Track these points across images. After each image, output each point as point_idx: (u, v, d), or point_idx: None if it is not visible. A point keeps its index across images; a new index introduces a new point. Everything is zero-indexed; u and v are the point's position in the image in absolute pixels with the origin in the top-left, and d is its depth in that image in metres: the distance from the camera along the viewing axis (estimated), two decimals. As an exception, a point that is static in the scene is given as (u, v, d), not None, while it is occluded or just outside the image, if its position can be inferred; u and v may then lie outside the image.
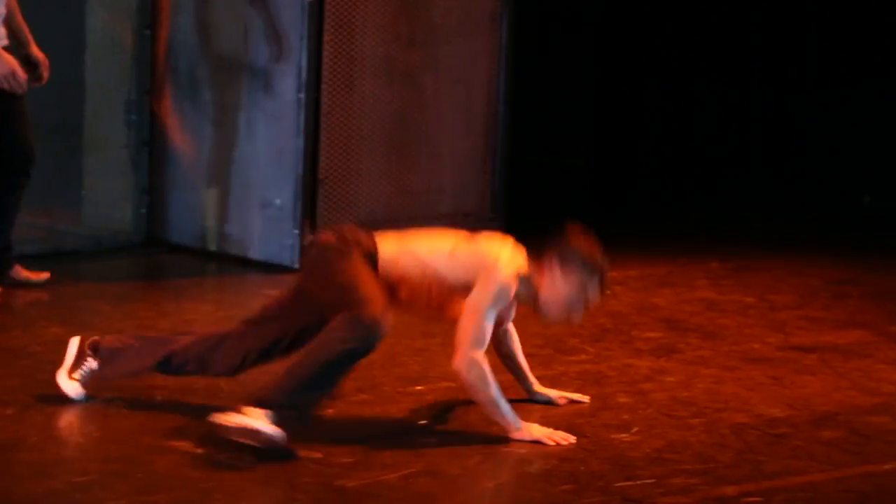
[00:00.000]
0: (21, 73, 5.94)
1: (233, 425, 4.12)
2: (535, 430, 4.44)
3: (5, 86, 5.89)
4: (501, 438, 4.42)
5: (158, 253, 7.22)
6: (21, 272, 6.24)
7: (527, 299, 4.50)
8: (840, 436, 4.60)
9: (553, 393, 4.81)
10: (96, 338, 4.71)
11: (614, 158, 10.48)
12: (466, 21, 7.33)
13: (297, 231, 6.89)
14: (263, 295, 6.43)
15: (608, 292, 4.56)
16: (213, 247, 7.18)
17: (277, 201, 6.94)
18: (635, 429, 4.59)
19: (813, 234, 8.40)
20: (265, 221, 6.98)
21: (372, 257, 4.41)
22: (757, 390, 5.10)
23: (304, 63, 6.79)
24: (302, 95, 6.81)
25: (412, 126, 7.22)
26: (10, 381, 4.85)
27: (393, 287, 4.42)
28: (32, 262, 6.80)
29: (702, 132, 10.38)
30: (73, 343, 4.70)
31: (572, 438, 4.44)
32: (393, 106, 7.15)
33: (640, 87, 10.48)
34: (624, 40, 10.53)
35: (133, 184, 7.30)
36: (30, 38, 6.20)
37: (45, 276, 6.31)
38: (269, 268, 6.91)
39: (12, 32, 6.15)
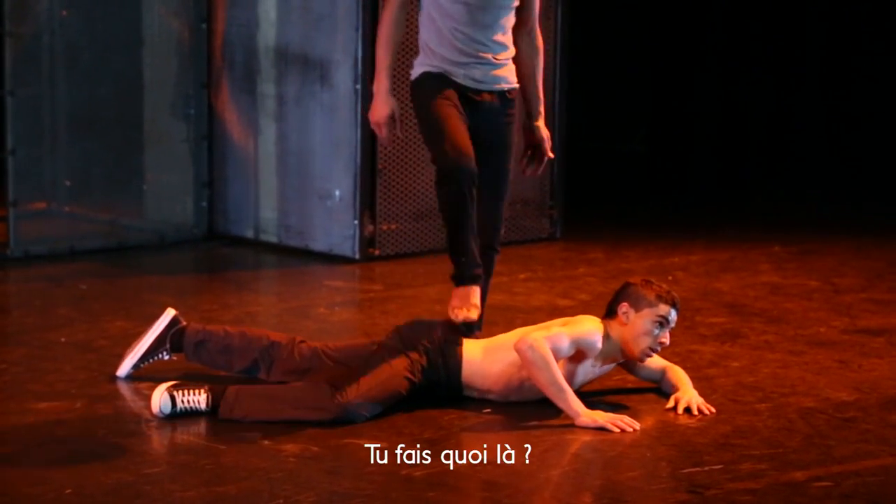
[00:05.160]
0: (395, 127, 4.76)
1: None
2: (599, 417, 4.43)
3: (378, 132, 4.80)
4: (566, 426, 4.41)
5: (220, 246, 7.27)
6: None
7: (615, 352, 4.63)
8: (910, 419, 4.55)
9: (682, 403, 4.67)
10: (184, 325, 4.82)
11: (674, 144, 10.41)
12: (522, 8, 7.29)
13: (356, 222, 6.90)
14: (325, 286, 6.48)
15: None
16: (273, 239, 7.21)
17: (337, 192, 6.95)
18: (700, 414, 4.56)
19: (876, 217, 8.30)
20: (325, 213, 7.00)
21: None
22: (824, 374, 5.05)
23: (360, 54, 6.79)
24: (359, 87, 6.81)
25: (469, 115, 7.19)
26: (78, 374, 4.90)
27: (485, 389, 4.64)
28: (96, 256, 6.88)
29: (763, 115, 10.29)
30: (166, 316, 4.83)
31: (637, 425, 4.43)
32: (450, 95, 7.13)
33: (698, 71, 10.40)
34: (681, 24, 10.45)
35: (193, 177, 7.35)
36: (541, 108, 4.95)
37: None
38: (330, 259, 6.93)
39: (525, 97, 4.90)
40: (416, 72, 4.78)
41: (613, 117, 10.53)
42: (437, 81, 4.71)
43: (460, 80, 4.72)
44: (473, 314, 4.69)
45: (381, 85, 4.72)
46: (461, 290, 4.71)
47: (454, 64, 4.70)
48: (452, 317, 4.67)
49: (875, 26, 9.94)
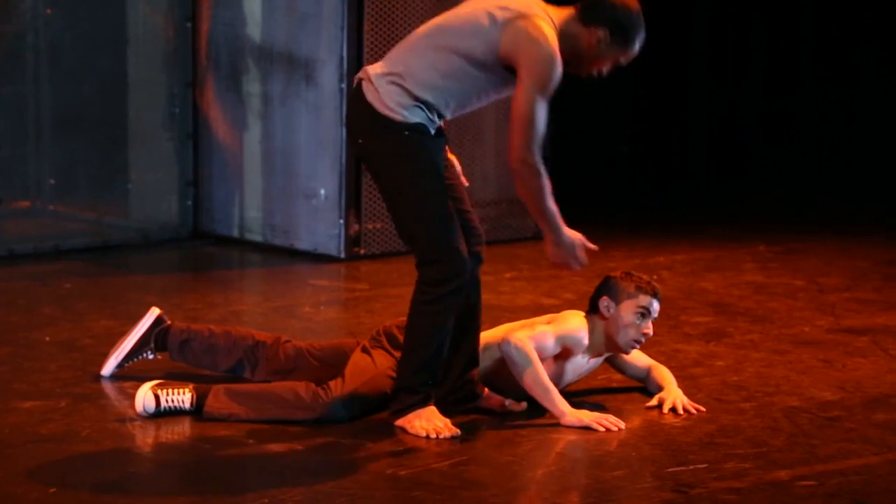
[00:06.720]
0: (586, 253, 4.44)
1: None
2: (584, 416, 4.43)
3: (576, 266, 4.41)
4: (551, 425, 4.41)
5: (205, 245, 7.26)
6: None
7: (601, 346, 4.63)
8: (894, 418, 4.55)
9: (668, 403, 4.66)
10: (168, 324, 4.81)
11: (659, 143, 10.43)
12: (507, 8, 7.29)
13: (342, 221, 6.90)
14: (310, 285, 6.48)
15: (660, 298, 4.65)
16: (258, 238, 7.20)
17: (322, 191, 6.95)
18: (686, 413, 4.57)
19: (861, 216, 8.33)
20: (310, 212, 7.00)
21: None
22: (808, 373, 5.06)
23: (345, 53, 6.79)
24: (343, 86, 6.81)
25: (455, 114, 7.19)
26: (63, 373, 4.89)
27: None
28: (80, 255, 6.87)
29: (748, 114, 10.31)
30: (150, 316, 4.81)
31: (622, 424, 4.43)
32: (435, 94, 7.12)
33: (684, 70, 10.41)
34: (667, 23, 10.45)
35: (178, 176, 7.34)
36: None
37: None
38: (315, 258, 6.93)
39: None
40: (406, 114, 4.29)
41: (598, 117, 10.53)
42: (432, 146, 4.37)
43: (432, 127, 4.37)
44: (453, 429, 4.32)
45: (562, 224, 4.51)
46: (427, 411, 4.33)
47: (441, 118, 4.39)
48: (432, 436, 4.29)
49: (869, 27, 9.96)
